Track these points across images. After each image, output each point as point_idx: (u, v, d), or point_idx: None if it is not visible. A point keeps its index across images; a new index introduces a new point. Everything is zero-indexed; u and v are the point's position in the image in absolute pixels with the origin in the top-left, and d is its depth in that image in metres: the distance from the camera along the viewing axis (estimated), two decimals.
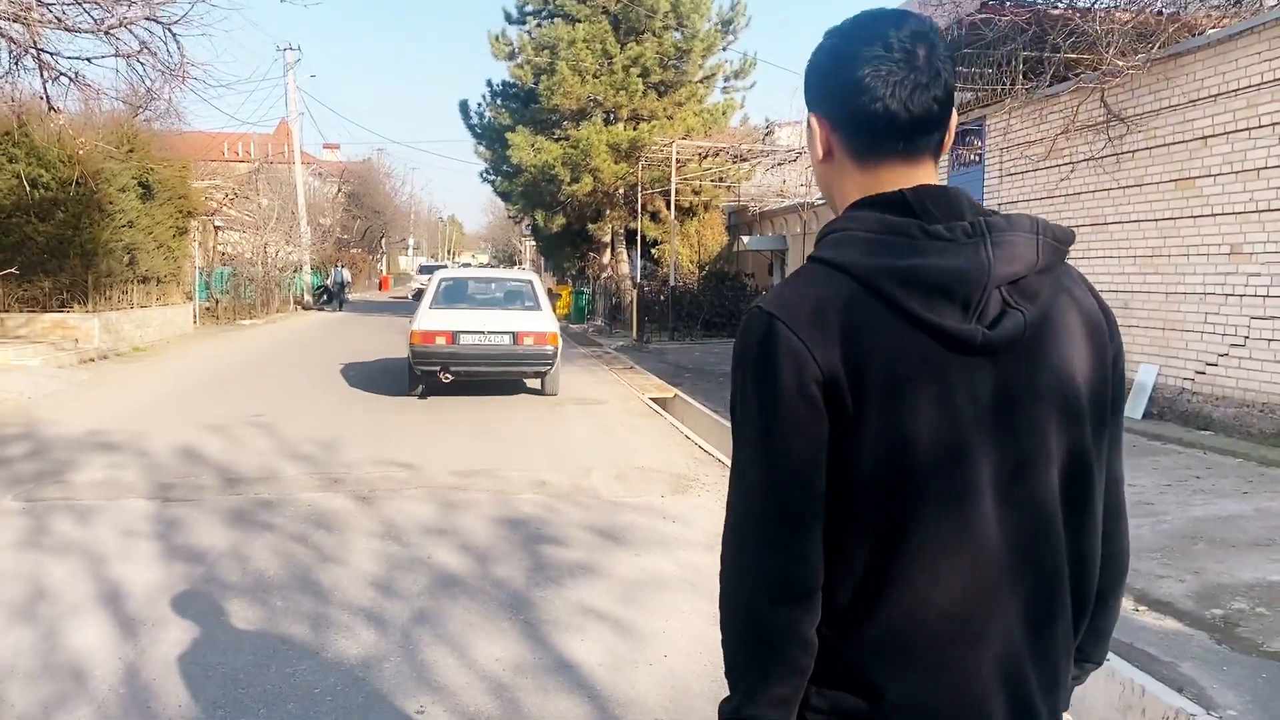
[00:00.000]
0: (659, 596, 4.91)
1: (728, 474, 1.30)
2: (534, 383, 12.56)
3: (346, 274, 39.20)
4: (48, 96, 11.54)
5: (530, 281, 13.25)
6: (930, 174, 1.30)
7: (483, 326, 11.58)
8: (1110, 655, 4.00)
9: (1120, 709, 3.82)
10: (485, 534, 5.97)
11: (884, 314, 1.20)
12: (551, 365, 11.85)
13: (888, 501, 1.21)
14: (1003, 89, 11.78)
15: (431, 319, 11.63)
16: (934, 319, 1.19)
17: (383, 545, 5.70)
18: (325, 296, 37.59)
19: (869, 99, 1.25)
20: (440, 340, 11.41)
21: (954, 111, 1.33)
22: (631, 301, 23.74)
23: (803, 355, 1.20)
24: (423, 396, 11.97)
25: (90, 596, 4.81)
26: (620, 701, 3.71)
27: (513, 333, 11.57)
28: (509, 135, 26.79)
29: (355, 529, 6.04)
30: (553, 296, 34.88)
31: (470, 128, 30.13)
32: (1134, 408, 9.55)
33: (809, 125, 1.36)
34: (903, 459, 1.20)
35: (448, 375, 11.50)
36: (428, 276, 26.62)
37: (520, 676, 3.90)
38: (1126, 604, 4.71)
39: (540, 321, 11.94)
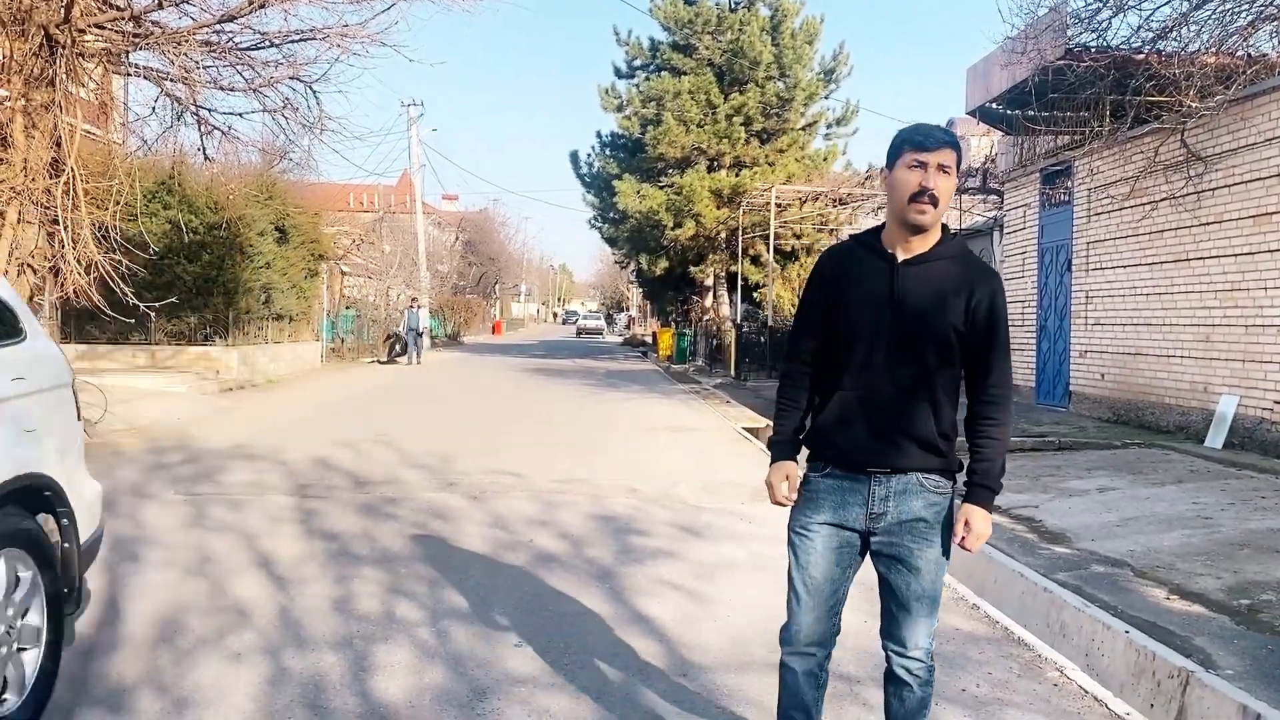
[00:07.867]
0: (729, 575, 5.56)
1: None
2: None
3: (424, 317, 29.34)
4: (204, 149, 12.89)
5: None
6: None
7: None
8: (1129, 629, 4.49)
9: (1135, 672, 4.29)
10: (580, 526, 6.71)
11: None
12: None
13: None
14: (1090, 131, 12.16)
15: None
16: None
17: (491, 532, 6.48)
18: (396, 348, 28.02)
19: None
20: None
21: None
22: (731, 342, 24.37)
23: None
24: None
25: (246, 561, 5.69)
26: (687, 645, 4.36)
27: None
28: (616, 183, 27.93)
29: (467, 520, 6.85)
30: (655, 338, 35.57)
31: (580, 176, 31.49)
32: (1214, 438, 9.74)
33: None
34: None
35: None
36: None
37: (603, 623, 4.60)
38: (1159, 593, 5.13)
39: None
